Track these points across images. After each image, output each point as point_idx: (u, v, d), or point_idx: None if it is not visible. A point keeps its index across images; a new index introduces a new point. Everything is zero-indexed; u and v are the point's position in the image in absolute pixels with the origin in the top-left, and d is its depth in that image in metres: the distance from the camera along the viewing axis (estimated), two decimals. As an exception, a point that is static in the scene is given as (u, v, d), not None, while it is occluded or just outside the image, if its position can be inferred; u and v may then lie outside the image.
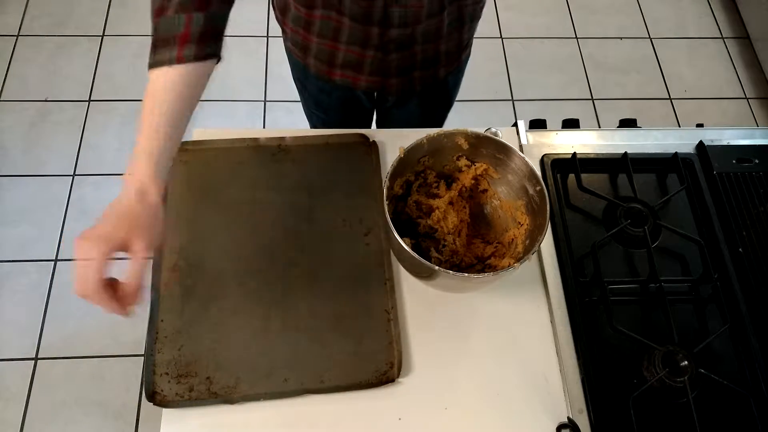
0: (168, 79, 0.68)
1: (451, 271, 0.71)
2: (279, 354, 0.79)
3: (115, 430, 1.58)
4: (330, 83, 1.02)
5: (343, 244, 0.87)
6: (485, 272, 0.75)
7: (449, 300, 0.85)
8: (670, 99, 2.26)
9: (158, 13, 0.69)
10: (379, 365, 0.79)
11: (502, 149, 0.82)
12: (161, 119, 0.68)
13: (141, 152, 0.68)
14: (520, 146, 0.98)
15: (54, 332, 1.69)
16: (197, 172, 0.92)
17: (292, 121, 2.05)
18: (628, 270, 0.90)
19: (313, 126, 1.26)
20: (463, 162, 0.86)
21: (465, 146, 0.84)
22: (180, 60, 0.68)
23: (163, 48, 0.68)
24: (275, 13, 1.03)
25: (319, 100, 1.12)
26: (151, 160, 0.67)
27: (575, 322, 0.83)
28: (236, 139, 0.94)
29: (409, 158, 0.81)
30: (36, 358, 1.66)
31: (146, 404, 1.56)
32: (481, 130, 0.84)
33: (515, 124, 1.01)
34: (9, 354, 1.66)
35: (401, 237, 0.72)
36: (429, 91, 1.07)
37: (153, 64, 0.68)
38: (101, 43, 2.22)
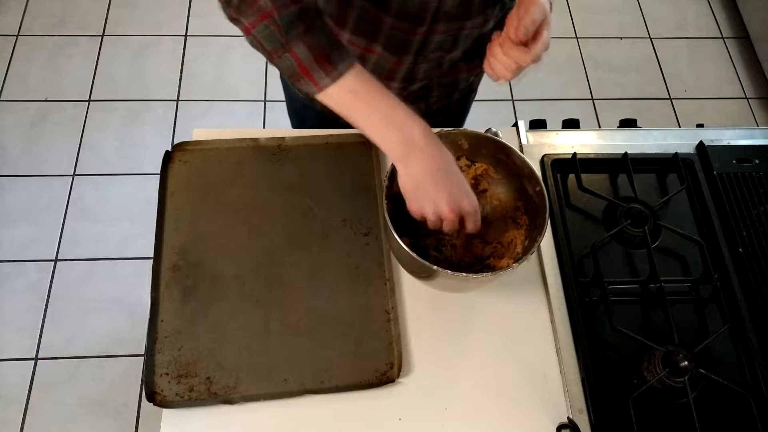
0: (362, 71, 0.70)
1: (449, 271, 0.71)
2: (279, 354, 0.79)
3: (115, 430, 1.59)
4: (334, 122, 1.02)
5: (343, 244, 0.87)
6: (484, 272, 0.75)
7: (449, 300, 0.85)
8: (670, 99, 2.26)
9: (308, 29, 0.69)
10: (379, 365, 0.79)
11: (502, 149, 0.82)
12: (388, 94, 0.71)
13: (407, 122, 0.71)
14: (520, 146, 0.98)
15: (54, 332, 1.69)
16: (197, 172, 0.92)
17: (292, 121, 2.05)
18: (628, 270, 0.90)
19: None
20: (463, 162, 0.86)
21: (465, 146, 0.84)
22: (355, 59, 0.70)
23: (339, 53, 0.69)
24: None
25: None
26: (414, 117, 0.71)
27: (575, 322, 0.83)
28: (236, 139, 0.94)
29: (409, 158, 0.81)
30: (36, 358, 1.66)
31: (146, 404, 1.56)
32: (481, 130, 0.84)
33: (515, 124, 1.01)
34: (9, 354, 1.66)
35: (400, 236, 0.72)
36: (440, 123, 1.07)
37: (348, 66, 0.69)
38: (101, 42, 2.22)
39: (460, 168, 0.86)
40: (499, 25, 0.94)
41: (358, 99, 0.70)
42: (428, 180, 0.69)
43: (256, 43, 0.70)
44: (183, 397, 0.76)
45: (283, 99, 1.18)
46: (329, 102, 0.71)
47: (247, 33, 0.70)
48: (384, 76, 0.91)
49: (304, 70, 0.69)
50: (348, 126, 1.01)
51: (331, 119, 1.03)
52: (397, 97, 0.70)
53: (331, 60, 0.68)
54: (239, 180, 0.91)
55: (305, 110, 1.06)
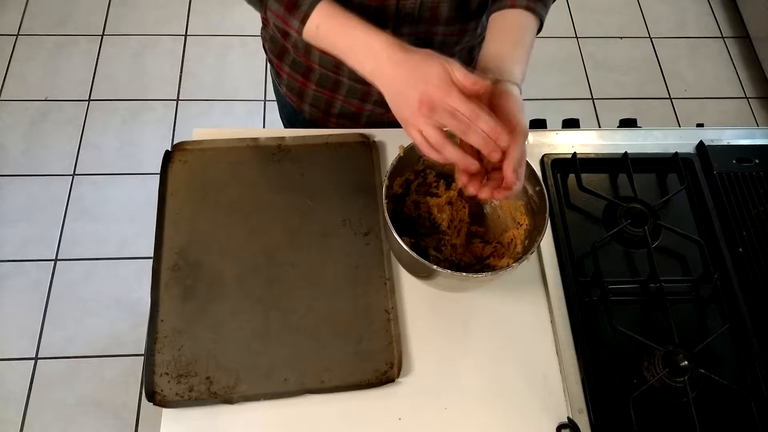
0: (329, 4, 0.72)
1: (449, 270, 0.71)
2: (279, 354, 0.79)
3: (115, 430, 1.59)
4: (322, 127, 1.03)
5: (343, 244, 0.87)
6: (484, 272, 0.75)
7: (449, 300, 0.85)
8: (670, 99, 2.26)
9: None
10: (379, 365, 0.79)
11: (502, 149, 0.82)
12: (353, 19, 0.71)
13: (367, 36, 0.69)
14: (520, 146, 0.98)
15: (54, 332, 1.69)
16: (197, 172, 0.92)
17: (292, 120, 2.05)
18: (628, 270, 0.90)
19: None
20: (463, 162, 0.86)
21: (465, 146, 0.84)
22: None
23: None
24: (268, 55, 1.02)
25: None
26: (379, 31, 0.69)
27: (575, 322, 0.83)
28: (236, 138, 0.94)
29: (409, 157, 0.81)
30: (36, 358, 1.66)
31: (146, 404, 1.56)
32: (481, 130, 0.84)
33: (515, 124, 1.01)
34: (9, 354, 1.66)
35: (400, 236, 0.72)
36: None
37: (312, 5, 0.71)
38: (101, 42, 2.22)
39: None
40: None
41: (322, 32, 0.72)
42: (401, 82, 0.66)
43: (270, 20, 0.79)
44: (183, 397, 0.76)
45: (281, 100, 1.19)
46: (310, 41, 0.74)
47: (267, 23, 0.83)
48: (360, 80, 0.91)
49: (283, 20, 0.74)
50: (347, 125, 1.02)
51: (319, 125, 1.03)
52: (360, 18, 0.71)
53: (298, 5, 0.72)
54: (239, 180, 0.91)
55: (295, 115, 1.07)
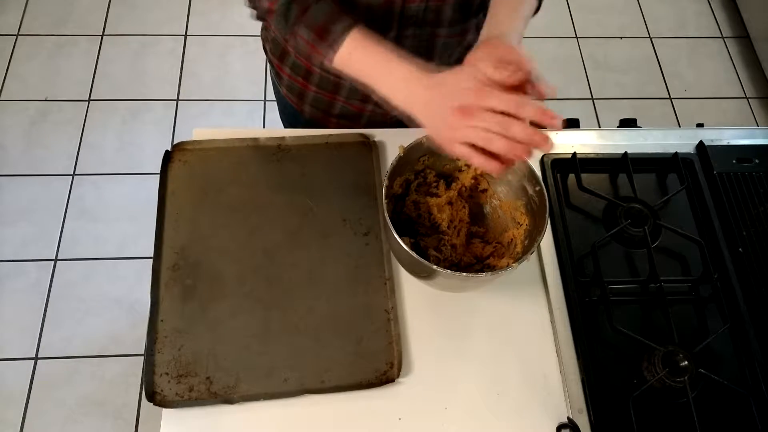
0: (361, 32, 0.73)
1: (449, 270, 0.71)
2: (279, 354, 0.79)
3: (115, 430, 1.59)
4: (323, 128, 1.03)
5: (343, 244, 0.87)
6: (484, 272, 0.75)
7: (449, 300, 0.85)
8: (670, 99, 2.26)
9: (303, 11, 0.75)
10: (379, 365, 0.79)
11: (502, 149, 0.81)
12: (384, 48, 0.72)
13: (400, 66, 0.71)
14: (520, 146, 0.98)
15: (54, 332, 1.69)
16: (197, 172, 0.92)
17: (292, 120, 2.05)
18: (628, 270, 0.90)
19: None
20: (462, 162, 0.86)
21: (465, 146, 0.83)
22: (356, 23, 0.74)
23: (334, 24, 0.73)
24: (268, 56, 1.02)
25: None
26: (410, 60, 0.71)
27: (575, 322, 0.83)
28: (236, 138, 0.94)
29: (409, 157, 0.81)
30: (36, 358, 1.66)
31: (146, 404, 1.56)
32: (481, 130, 0.84)
33: (515, 124, 1.00)
34: (9, 354, 1.66)
35: (400, 236, 0.72)
36: None
37: (343, 32, 0.73)
38: (101, 42, 2.22)
39: (459, 168, 0.86)
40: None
41: (354, 61, 0.73)
42: (436, 101, 0.68)
43: (276, 33, 0.80)
44: (183, 397, 0.76)
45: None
46: (340, 69, 0.75)
47: (269, 27, 0.83)
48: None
49: (312, 46, 0.75)
50: (347, 125, 1.02)
51: (320, 125, 1.03)
52: (392, 47, 0.72)
53: (329, 32, 0.73)
54: (239, 180, 0.91)
55: (295, 116, 1.07)
